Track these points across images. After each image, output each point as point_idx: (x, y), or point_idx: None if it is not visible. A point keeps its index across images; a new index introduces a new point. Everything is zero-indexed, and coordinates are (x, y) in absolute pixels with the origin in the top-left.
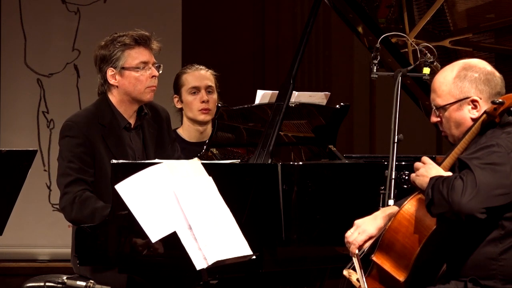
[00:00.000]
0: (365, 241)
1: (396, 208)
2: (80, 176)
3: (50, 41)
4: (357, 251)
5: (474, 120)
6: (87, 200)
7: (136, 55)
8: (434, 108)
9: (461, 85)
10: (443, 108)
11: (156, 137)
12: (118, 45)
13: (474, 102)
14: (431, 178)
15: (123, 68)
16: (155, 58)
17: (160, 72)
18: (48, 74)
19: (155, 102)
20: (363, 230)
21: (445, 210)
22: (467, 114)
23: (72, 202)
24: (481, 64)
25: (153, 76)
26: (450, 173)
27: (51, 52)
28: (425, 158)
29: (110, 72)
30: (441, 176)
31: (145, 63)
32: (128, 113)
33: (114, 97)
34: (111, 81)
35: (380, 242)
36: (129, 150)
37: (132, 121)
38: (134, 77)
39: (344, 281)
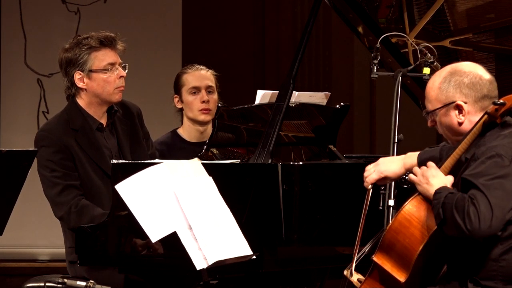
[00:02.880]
0: (378, 180)
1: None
2: (68, 183)
3: (50, 41)
4: (370, 186)
5: (461, 124)
6: (84, 209)
7: (103, 57)
8: (426, 113)
9: (446, 90)
10: (433, 113)
11: (129, 133)
12: (84, 48)
13: (459, 107)
14: (438, 193)
15: (90, 70)
16: (120, 58)
17: (126, 71)
18: (48, 74)
19: (125, 100)
20: (379, 170)
21: (461, 235)
22: (454, 118)
23: (69, 212)
24: (467, 68)
25: (120, 77)
26: (451, 178)
27: (51, 52)
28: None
29: (77, 75)
30: (450, 193)
31: (112, 64)
32: (98, 114)
33: (82, 100)
34: (79, 84)
35: (381, 243)
36: (105, 150)
37: (103, 121)
38: (103, 79)
39: (344, 281)
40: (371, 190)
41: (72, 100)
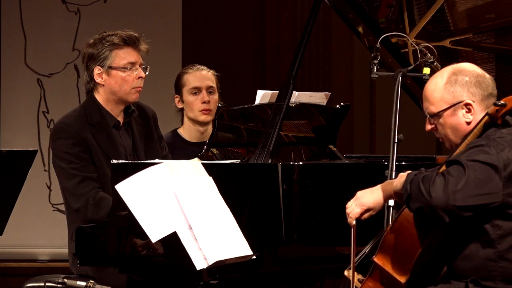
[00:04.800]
0: (362, 214)
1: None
2: (86, 175)
3: (50, 41)
4: (354, 222)
5: (469, 124)
6: (102, 201)
7: (124, 55)
8: (428, 116)
9: (453, 90)
10: (437, 115)
11: (144, 134)
12: (106, 44)
13: (467, 106)
14: (409, 174)
15: (110, 67)
16: (142, 59)
17: (147, 73)
18: (48, 74)
19: (141, 102)
20: (361, 203)
21: (423, 204)
22: (462, 118)
23: (86, 204)
24: (470, 67)
25: (139, 77)
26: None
27: (51, 52)
28: None
29: (97, 70)
30: (420, 172)
31: (133, 63)
32: (116, 112)
33: (100, 96)
34: (98, 79)
35: (381, 243)
36: (120, 148)
37: (120, 119)
38: (121, 77)
39: (345, 281)
40: (355, 225)
41: (90, 96)
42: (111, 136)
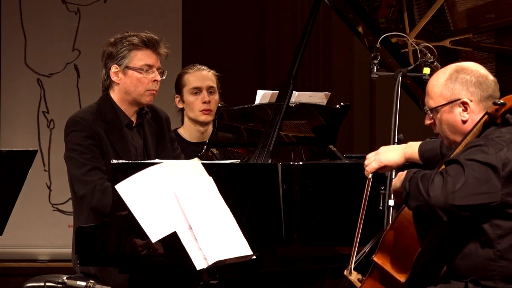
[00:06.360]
0: (377, 169)
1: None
2: (96, 164)
3: (50, 41)
4: (370, 176)
5: (465, 123)
6: (109, 189)
7: (142, 57)
8: (428, 110)
9: (452, 87)
10: (435, 110)
11: (156, 136)
12: (126, 43)
13: (464, 104)
14: (408, 172)
15: (127, 67)
16: (161, 64)
17: (164, 77)
18: (48, 74)
19: (155, 105)
20: (379, 159)
21: (421, 203)
22: (458, 116)
23: (93, 190)
24: (474, 67)
25: (155, 80)
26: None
27: (51, 52)
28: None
29: (114, 68)
30: (419, 170)
31: (150, 66)
32: (129, 112)
33: (115, 95)
34: (114, 78)
35: (381, 243)
36: (131, 148)
37: (133, 119)
38: (136, 78)
39: (344, 281)
40: (371, 179)
41: (106, 93)
42: (123, 135)
